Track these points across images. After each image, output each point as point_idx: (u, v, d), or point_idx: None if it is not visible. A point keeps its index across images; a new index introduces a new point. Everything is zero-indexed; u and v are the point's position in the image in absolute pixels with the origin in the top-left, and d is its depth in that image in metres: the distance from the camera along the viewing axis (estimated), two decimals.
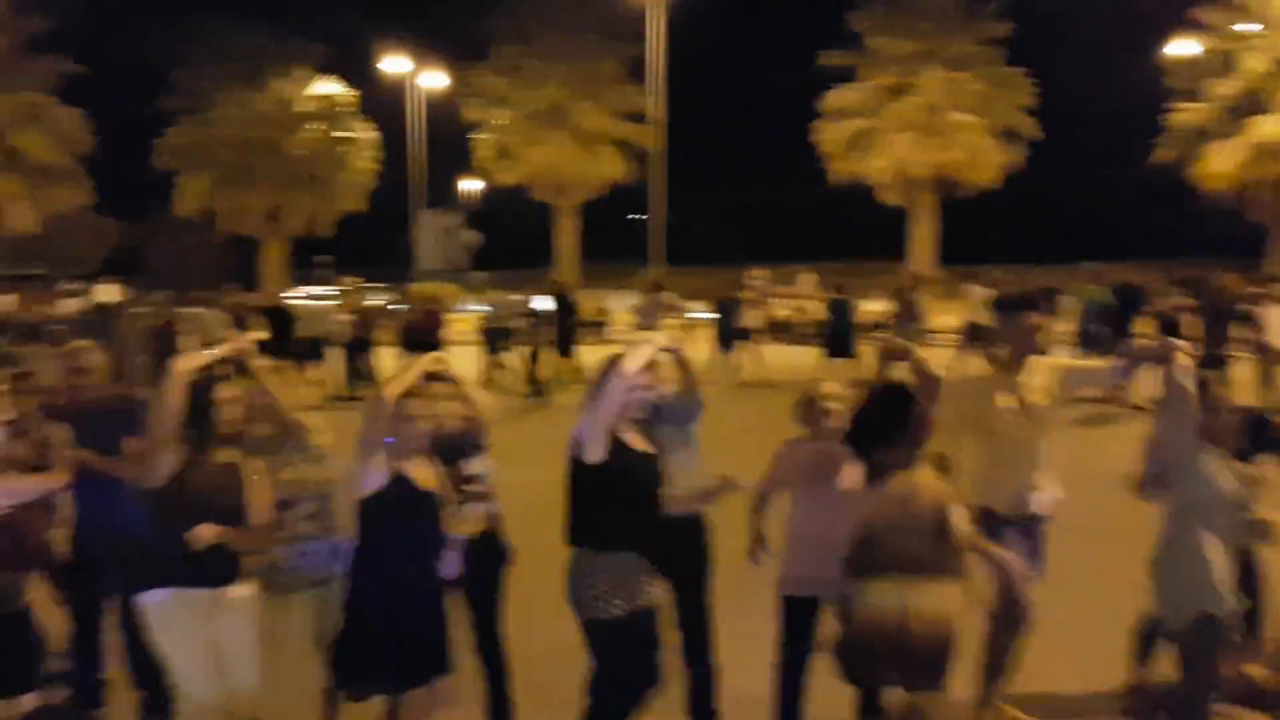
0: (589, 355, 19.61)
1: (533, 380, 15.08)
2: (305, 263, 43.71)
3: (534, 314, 16.53)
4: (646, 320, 16.48)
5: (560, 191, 38.27)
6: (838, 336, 15.87)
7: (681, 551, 4.35)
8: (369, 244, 45.14)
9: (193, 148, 36.12)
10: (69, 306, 27.37)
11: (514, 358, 16.37)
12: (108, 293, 28.33)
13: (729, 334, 16.47)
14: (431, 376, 4.28)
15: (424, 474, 3.97)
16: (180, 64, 36.67)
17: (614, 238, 43.73)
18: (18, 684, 4.25)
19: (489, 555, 4.39)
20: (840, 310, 16.15)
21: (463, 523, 4.10)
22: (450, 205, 46.86)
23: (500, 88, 37.51)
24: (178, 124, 36.39)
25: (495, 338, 16.82)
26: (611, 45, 36.82)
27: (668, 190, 30.30)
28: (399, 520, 3.89)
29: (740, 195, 53.98)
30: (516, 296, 17.89)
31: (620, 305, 23.07)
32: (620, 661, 3.89)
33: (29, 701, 4.18)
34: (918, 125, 34.11)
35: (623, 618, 3.83)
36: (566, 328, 16.96)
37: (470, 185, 47.59)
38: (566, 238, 39.47)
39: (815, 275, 23.17)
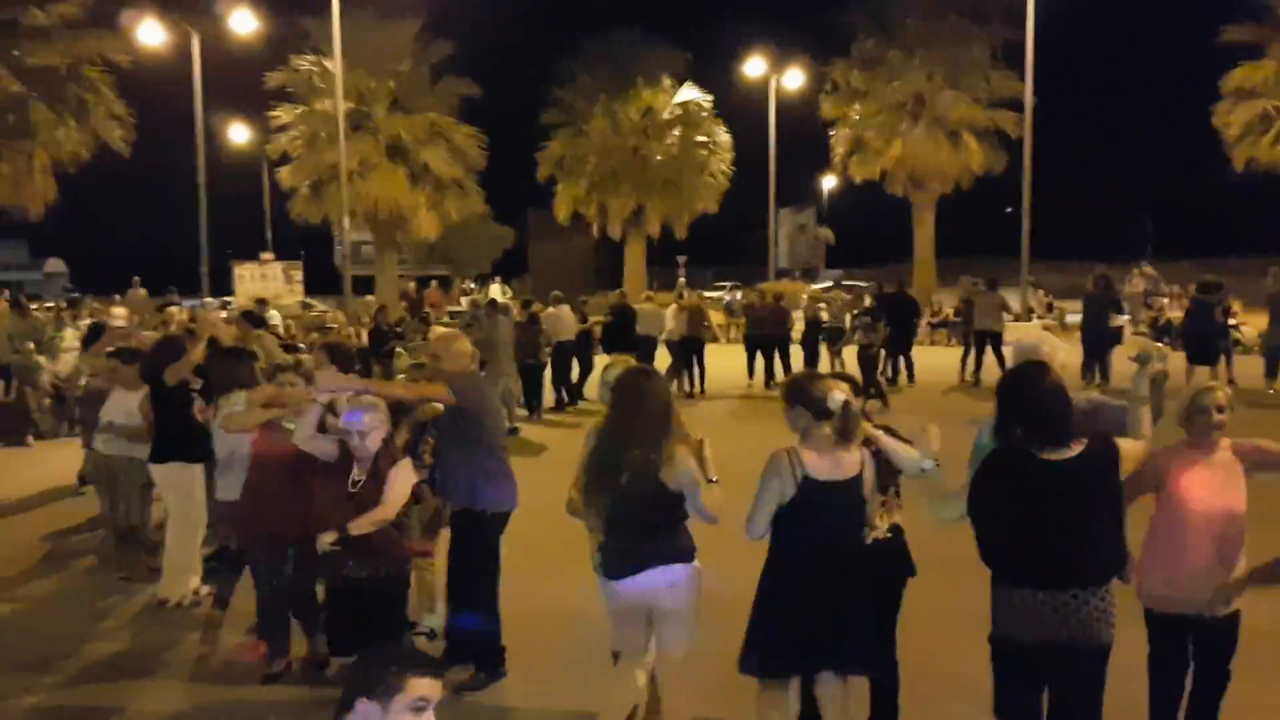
0: (931, 356, 19.07)
1: (868, 382, 14.78)
2: (667, 262, 45.90)
3: (872, 313, 16.33)
4: (984, 320, 15.74)
5: (917, 185, 37.26)
6: (1199, 340, 14.47)
7: None
8: (723, 243, 46.27)
9: (568, 158, 39.11)
10: (464, 303, 30.80)
11: (847, 358, 16.12)
12: (496, 291, 31.72)
13: (1096, 335, 15.37)
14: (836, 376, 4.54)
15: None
16: (559, 81, 39.85)
17: (977, 232, 41.90)
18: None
19: (895, 563, 4.34)
20: (1201, 312, 14.68)
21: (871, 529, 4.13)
22: (803, 203, 47.16)
23: (859, 80, 37.17)
24: (556, 136, 39.54)
25: (829, 337, 16.77)
26: (977, 28, 35.32)
27: (1037, 181, 28.39)
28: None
29: (1120, 185, 49.79)
30: (847, 295, 17.63)
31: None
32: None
33: None
34: None
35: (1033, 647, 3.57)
36: (907, 328, 16.54)
37: (827, 182, 47.62)
38: (924, 233, 38.34)
39: (1151, 270, 20.94)
